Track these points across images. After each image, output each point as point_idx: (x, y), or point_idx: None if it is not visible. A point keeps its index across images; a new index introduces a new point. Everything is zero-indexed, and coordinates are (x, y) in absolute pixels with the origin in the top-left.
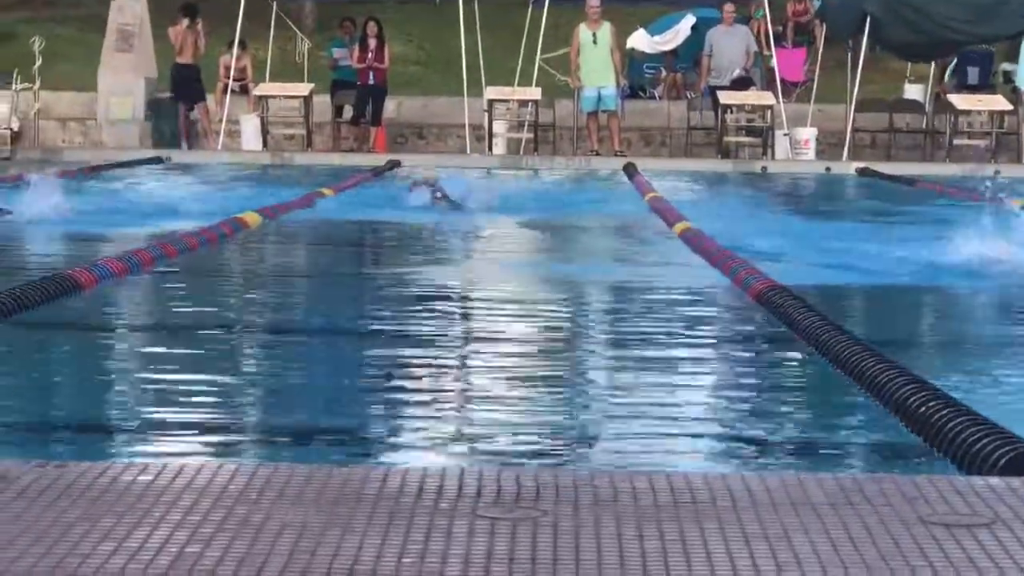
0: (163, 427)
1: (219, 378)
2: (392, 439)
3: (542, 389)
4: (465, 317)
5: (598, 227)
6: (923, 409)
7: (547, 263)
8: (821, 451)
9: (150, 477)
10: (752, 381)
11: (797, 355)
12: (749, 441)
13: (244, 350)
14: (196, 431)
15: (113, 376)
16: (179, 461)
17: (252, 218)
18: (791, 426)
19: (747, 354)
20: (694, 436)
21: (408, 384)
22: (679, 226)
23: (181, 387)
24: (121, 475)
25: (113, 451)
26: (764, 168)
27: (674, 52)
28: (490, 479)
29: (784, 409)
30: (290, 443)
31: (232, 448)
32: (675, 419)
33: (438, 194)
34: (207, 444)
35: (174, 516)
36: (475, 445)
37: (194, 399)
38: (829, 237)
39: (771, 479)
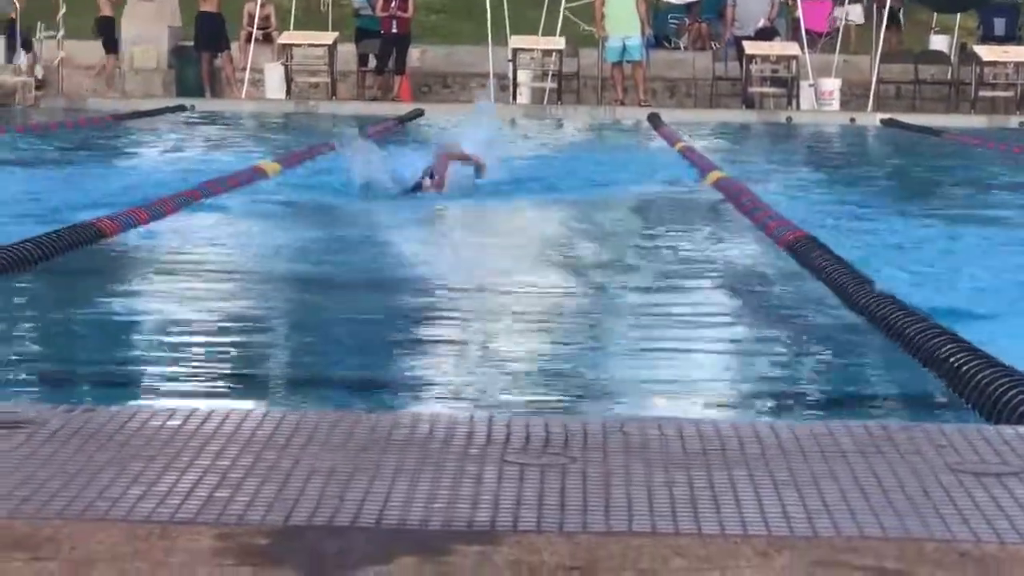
0: (191, 374)
1: (249, 324)
2: (421, 386)
3: (571, 337)
4: (496, 263)
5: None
6: (951, 359)
7: (573, 214)
8: (850, 400)
9: (178, 422)
10: (782, 331)
11: (828, 306)
12: (778, 390)
13: (273, 297)
14: (224, 378)
15: (142, 322)
16: (208, 406)
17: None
18: (820, 375)
19: (777, 304)
20: (723, 384)
21: (437, 332)
22: (712, 175)
23: (209, 333)
24: (149, 420)
25: (142, 397)
26: (789, 119)
27: (698, 2)
28: (519, 426)
29: (814, 359)
30: (319, 389)
31: (261, 394)
32: (704, 367)
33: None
34: (236, 390)
35: (203, 461)
36: (504, 393)
37: (222, 346)
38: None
39: (800, 427)
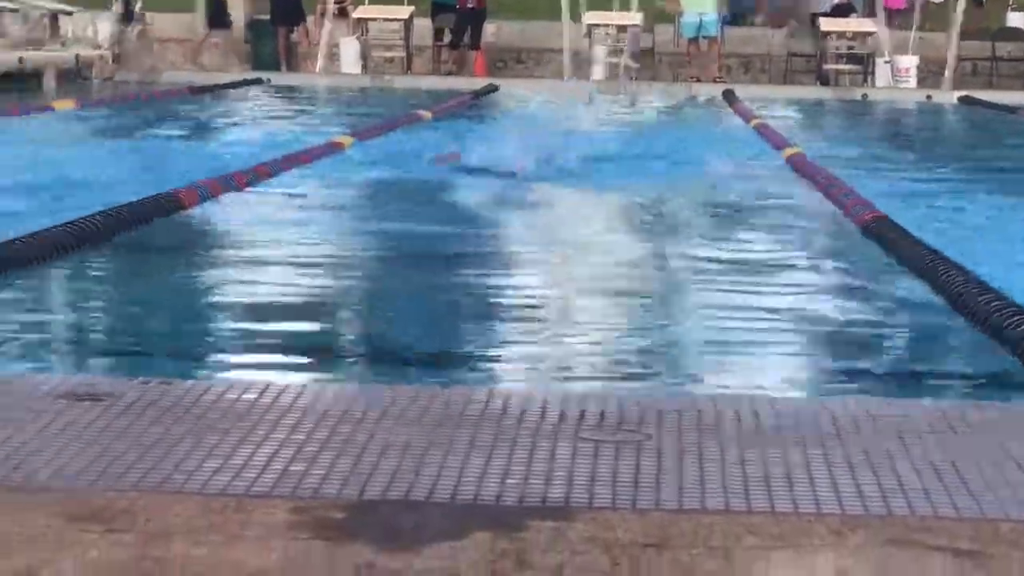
0: (267, 347)
1: (324, 298)
2: (497, 361)
3: (649, 314)
4: (570, 241)
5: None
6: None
7: (649, 193)
8: (925, 379)
9: (254, 396)
10: (858, 309)
11: (904, 284)
12: (855, 367)
13: (348, 271)
14: (300, 351)
15: (218, 295)
16: (284, 380)
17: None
18: (896, 353)
19: (853, 282)
20: (799, 362)
21: (514, 310)
22: (787, 151)
23: (284, 307)
24: (225, 393)
25: (218, 370)
26: (864, 96)
27: None
28: (594, 403)
29: (890, 336)
30: (395, 364)
31: (337, 368)
32: (781, 345)
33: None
34: (311, 364)
35: (278, 435)
36: (580, 370)
37: (298, 320)
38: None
39: (874, 404)
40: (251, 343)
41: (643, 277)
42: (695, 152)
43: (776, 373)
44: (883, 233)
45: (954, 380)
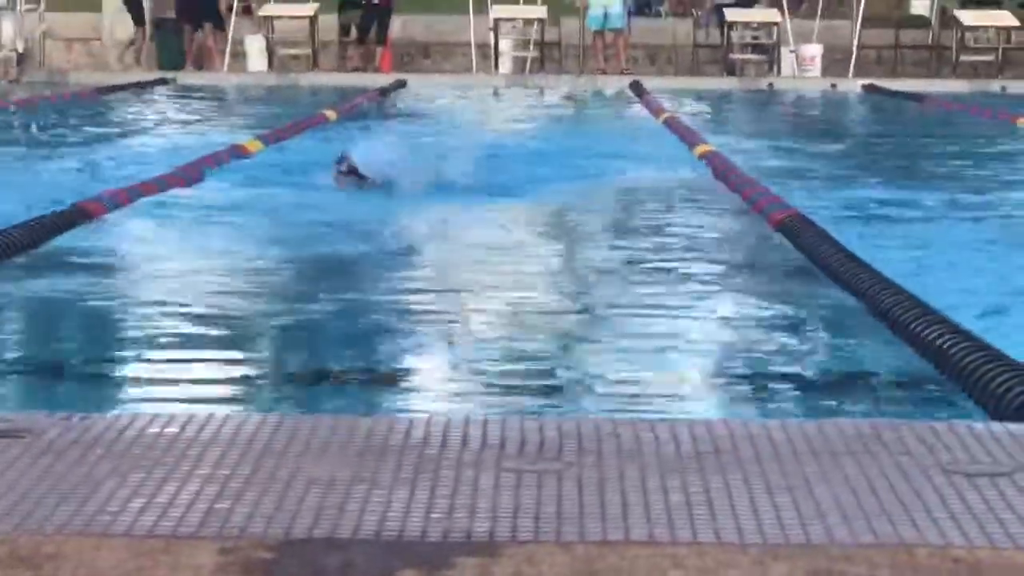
0: (185, 375)
1: (236, 321)
2: (414, 387)
3: (558, 334)
4: (484, 257)
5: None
6: (945, 347)
7: (548, 192)
8: (839, 393)
9: (177, 428)
10: (771, 317)
11: (817, 289)
12: (769, 383)
13: (260, 290)
14: (217, 379)
15: (127, 316)
16: (205, 411)
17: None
18: (811, 367)
19: (766, 287)
20: (713, 379)
21: (427, 329)
22: (699, 148)
23: (195, 328)
24: (148, 427)
25: (138, 402)
26: (770, 85)
27: None
28: (513, 429)
29: (804, 348)
30: (313, 390)
31: (257, 396)
32: (692, 361)
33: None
34: (230, 392)
35: (202, 470)
36: (496, 394)
37: (212, 345)
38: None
39: (791, 426)
40: (168, 370)
41: (555, 291)
42: (604, 150)
43: (694, 392)
44: (797, 232)
45: (872, 392)
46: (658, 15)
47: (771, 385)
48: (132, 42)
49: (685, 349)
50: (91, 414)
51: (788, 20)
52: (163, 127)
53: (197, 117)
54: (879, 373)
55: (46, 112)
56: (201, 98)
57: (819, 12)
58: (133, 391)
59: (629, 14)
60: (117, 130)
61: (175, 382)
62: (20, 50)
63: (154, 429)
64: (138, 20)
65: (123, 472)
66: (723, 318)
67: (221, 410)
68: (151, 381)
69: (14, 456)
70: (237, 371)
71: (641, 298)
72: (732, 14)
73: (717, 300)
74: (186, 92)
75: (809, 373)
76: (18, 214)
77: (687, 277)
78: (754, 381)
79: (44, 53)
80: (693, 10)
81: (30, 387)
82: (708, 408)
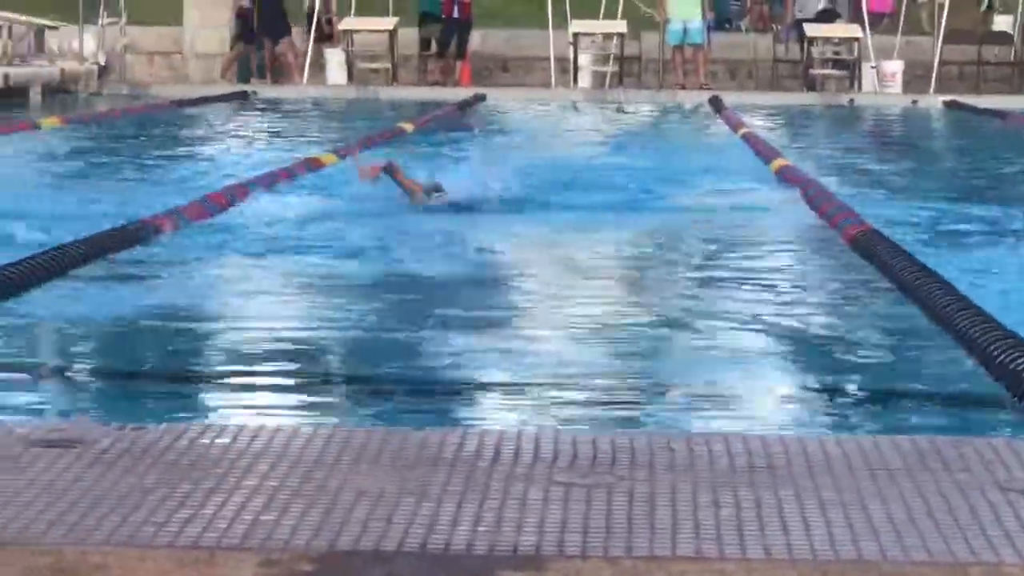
0: (241, 386)
1: (298, 335)
2: (471, 400)
3: (621, 346)
4: (544, 269)
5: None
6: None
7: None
8: (901, 410)
9: (227, 440)
10: (838, 334)
11: (888, 304)
12: (829, 399)
13: (321, 304)
14: (274, 389)
15: (192, 333)
16: (257, 422)
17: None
18: (877, 382)
19: (835, 302)
20: (776, 394)
21: (485, 343)
22: (776, 163)
23: (258, 342)
24: (199, 438)
25: (192, 413)
26: (851, 101)
27: None
28: (566, 443)
29: (872, 363)
30: (369, 403)
31: (311, 409)
32: (756, 375)
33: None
34: (285, 404)
35: (250, 482)
36: (554, 407)
37: (270, 357)
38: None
39: (848, 442)
40: (225, 381)
41: (622, 306)
42: (680, 165)
43: (751, 405)
44: (871, 247)
45: (937, 409)
46: (738, 30)
47: (837, 400)
48: (237, 57)
49: (748, 363)
50: (145, 425)
51: (869, 36)
52: (240, 140)
53: (275, 130)
54: (946, 390)
55: (124, 125)
56: (280, 111)
57: (900, 28)
58: (193, 403)
59: (709, 29)
60: (193, 143)
61: (241, 394)
62: (102, 63)
63: (205, 440)
64: (249, 38)
65: (172, 483)
66: (790, 332)
67: (276, 423)
68: (218, 393)
69: (64, 466)
70: (297, 383)
71: (710, 310)
72: (812, 29)
73: (785, 314)
74: (265, 105)
75: (875, 389)
76: (91, 227)
77: (755, 290)
78: (820, 396)
79: (125, 66)
80: (773, 25)
81: (87, 397)
82: (768, 423)
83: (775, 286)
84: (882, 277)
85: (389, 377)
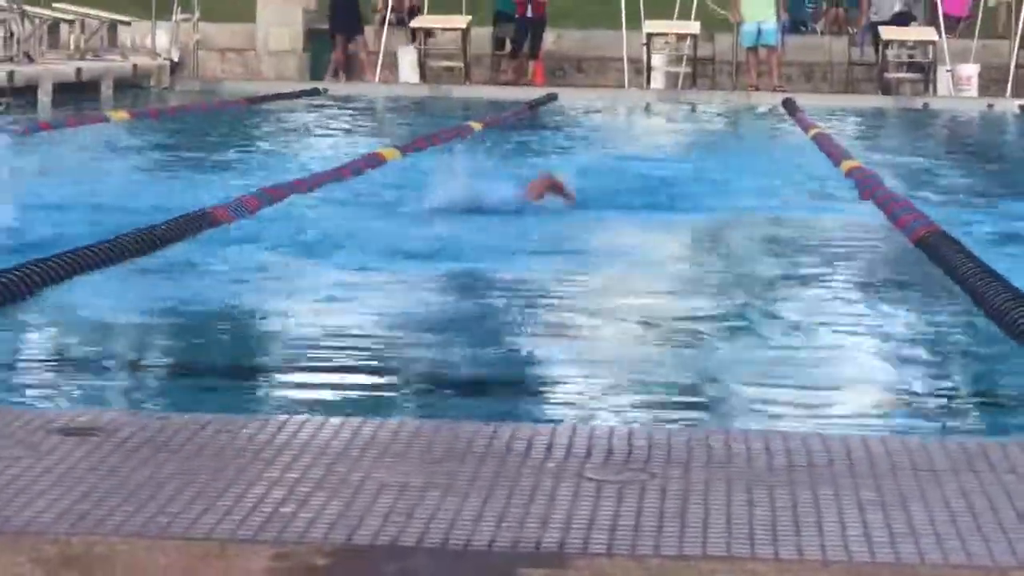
0: (268, 378)
1: (335, 328)
2: (507, 393)
3: (661, 343)
4: (587, 268)
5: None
6: None
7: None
8: (951, 412)
9: (252, 431)
10: (894, 333)
11: (953, 304)
12: (890, 399)
13: (361, 298)
14: (306, 383)
15: (225, 324)
16: (284, 414)
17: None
18: (936, 383)
19: (901, 303)
20: (818, 393)
21: (527, 339)
22: (847, 164)
23: (287, 335)
24: (222, 429)
25: (218, 403)
26: (926, 104)
27: None
28: (601, 438)
29: (929, 364)
30: (404, 396)
31: (341, 402)
32: (798, 376)
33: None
34: (316, 397)
35: (271, 473)
36: (592, 401)
37: (301, 349)
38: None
39: (892, 442)
40: (253, 372)
41: (691, 300)
42: (753, 168)
43: (791, 405)
44: (937, 249)
45: (982, 413)
46: (813, 32)
47: (894, 399)
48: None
49: (807, 362)
50: (168, 414)
51: (945, 39)
52: (310, 136)
53: (344, 127)
54: (1008, 393)
55: (192, 120)
56: (351, 108)
57: (977, 31)
58: (220, 393)
59: (783, 31)
60: (264, 139)
61: (264, 385)
62: (174, 59)
63: (228, 431)
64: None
65: (190, 474)
66: (853, 332)
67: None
68: (240, 382)
69: (81, 455)
70: (350, 378)
71: (776, 310)
72: (887, 32)
73: (849, 314)
74: (337, 102)
75: (936, 390)
76: (154, 218)
77: (821, 290)
78: (877, 396)
79: (197, 62)
80: (848, 28)
81: (114, 387)
82: (819, 422)
83: (833, 285)
84: (945, 277)
85: (426, 371)
